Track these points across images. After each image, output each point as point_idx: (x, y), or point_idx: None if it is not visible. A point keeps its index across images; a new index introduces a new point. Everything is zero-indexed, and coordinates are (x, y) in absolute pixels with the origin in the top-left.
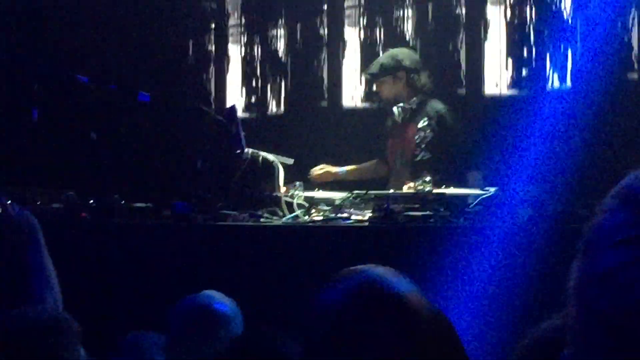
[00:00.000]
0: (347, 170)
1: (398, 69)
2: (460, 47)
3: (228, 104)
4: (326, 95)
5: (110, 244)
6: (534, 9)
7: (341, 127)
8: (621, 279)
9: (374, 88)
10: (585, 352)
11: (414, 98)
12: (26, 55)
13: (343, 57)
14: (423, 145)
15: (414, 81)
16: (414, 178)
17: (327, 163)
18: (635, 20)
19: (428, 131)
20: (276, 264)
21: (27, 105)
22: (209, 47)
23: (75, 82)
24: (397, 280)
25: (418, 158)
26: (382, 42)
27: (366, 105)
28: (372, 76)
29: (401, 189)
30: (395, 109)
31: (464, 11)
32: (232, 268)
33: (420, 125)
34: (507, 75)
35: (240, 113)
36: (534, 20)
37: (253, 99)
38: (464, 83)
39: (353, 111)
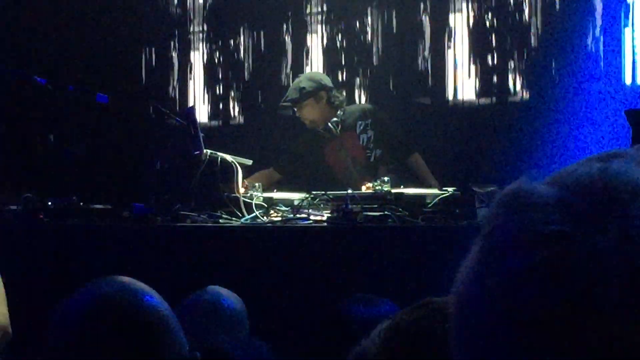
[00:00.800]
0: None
1: (319, 90)
2: (425, 55)
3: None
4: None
5: (68, 245)
6: (495, 17)
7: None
8: (528, 283)
9: (297, 114)
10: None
11: (339, 112)
12: None
13: (307, 64)
14: (371, 145)
15: (333, 99)
16: (376, 179)
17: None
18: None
19: (368, 130)
20: (235, 264)
21: None
22: (171, 51)
23: (33, 84)
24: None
25: (372, 158)
26: (345, 48)
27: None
28: (295, 101)
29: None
30: (330, 124)
31: (427, 18)
32: (191, 269)
33: (358, 129)
34: (471, 83)
35: (204, 120)
36: (495, 27)
37: (214, 107)
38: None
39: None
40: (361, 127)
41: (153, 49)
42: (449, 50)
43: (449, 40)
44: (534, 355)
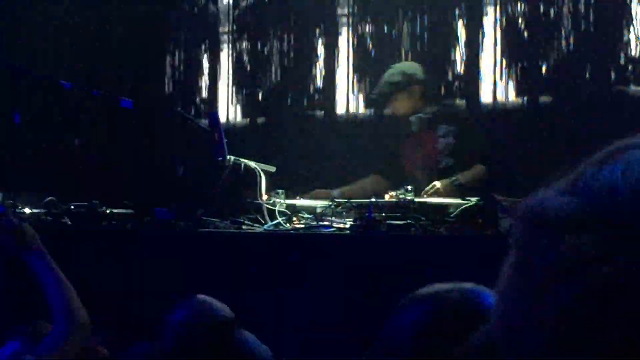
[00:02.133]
0: (342, 192)
1: (411, 84)
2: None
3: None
4: (319, 104)
5: (90, 249)
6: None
7: (333, 137)
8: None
9: (387, 107)
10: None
11: (429, 108)
12: (9, 59)
13: (337, 66)
14: (446, 152)
15: (427, 93)
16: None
17: (319, 173)
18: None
19: (450, 138)
20: (258, 271)
21: (10, 109)
22: (199, 55)
23: (58, 87)
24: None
25: (442, 165)
26: (375, 52)
27: (361, 114)
28: (385, 95)
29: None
30: (413, 119)
31: (460, 22)
32: (214, 275)
33: (440, 132)
34: (502, 85)
35: (231, 120)
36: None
37: (243, 107)
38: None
39: (348, 121)
40: (444, 131)
41: (180, 52)
42: (482, 54)
43: (482, 43)
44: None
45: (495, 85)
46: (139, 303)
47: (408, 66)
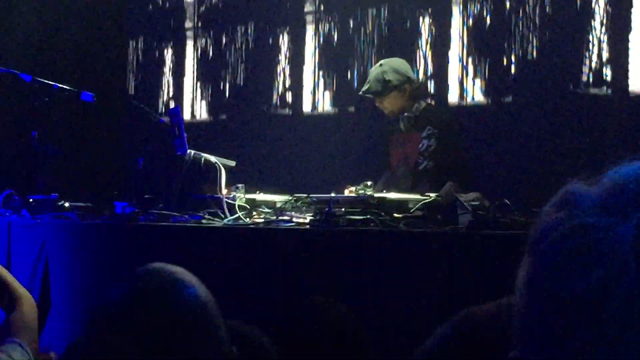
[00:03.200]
0: None
1: (404, 83)
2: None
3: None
4: (287, 101)
5: (48, 242)
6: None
7: (298, 132)
8: (570, 265)
9: (376, 103)
10: (540, 348)
11: (416, 105)
12: None
13: (303, 63)
14: (427, 154)
15: (416, 91)
16: (415, 186)
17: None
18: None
19: (432, 140)
20: (216, 265)
21: None
22: (163, 49)
23: (17, 80)
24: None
25: (421, 167)
26: (340, 46)
27: (326, 112)
28: (378, 94)
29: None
30: (400, 118)
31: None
32: None
33: (424, 134)
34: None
35: (193, 117)
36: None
37: (207, 103)
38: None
39: (314, 118)
40: (428, 132)
41: (141, 45)
42: (449, 52)
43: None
44: (576, 332)
45: (463, 86)
46: (95, 297)
47: (399, 63)
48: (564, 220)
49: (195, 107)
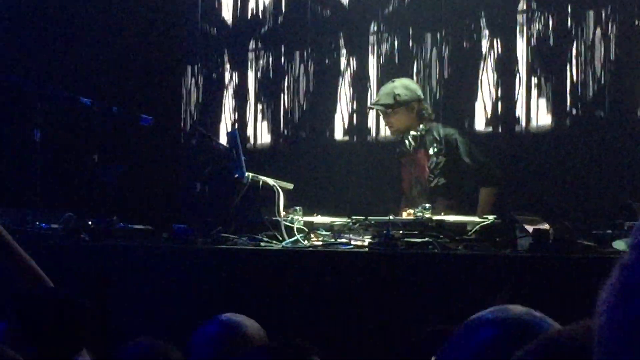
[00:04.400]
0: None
1: (413, 100)
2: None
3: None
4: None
5: (108, 265)
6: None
7: (357, 155)
8: None
9: (383, 118)
10: None
11: (421, 125)
12: (29, 75)
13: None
14: (437, 171)
15: (424, 111)
16: (431, 204)
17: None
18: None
19: (440, 156)
20: (275, 288)
21: (29, 125)
22: (220, 74)
23: (78, 104)
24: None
25: (433, 184)
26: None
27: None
28: (388, 107)
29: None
30: (405, 137)
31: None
32: (232, 292)
33: (431, 151)
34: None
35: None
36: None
37: (268, 127)
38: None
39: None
40: (435, 150)
41: (200, 69)
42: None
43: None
44: None
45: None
46: (159, 319)
47: (409, 82)
48: None
49: (257, 131)
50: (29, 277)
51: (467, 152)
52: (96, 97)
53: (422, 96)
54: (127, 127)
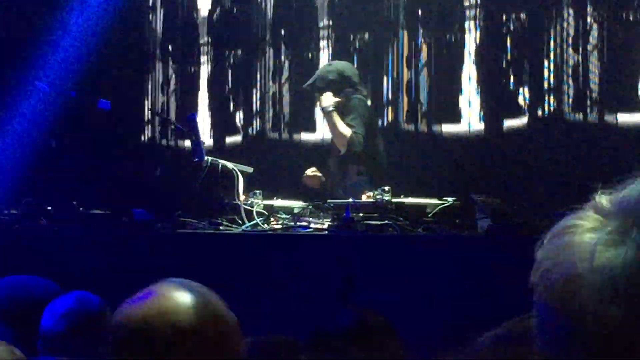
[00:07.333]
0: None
1: (344, 85)
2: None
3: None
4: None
5: (67, 250)
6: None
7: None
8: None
9: (316, 94)
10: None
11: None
12: None
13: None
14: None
15: (354, 93)
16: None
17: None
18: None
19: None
20: (235, 271)
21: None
22: (178, 60)
23: (35, 89)
24: None
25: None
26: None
27: None
28: (318, 89)
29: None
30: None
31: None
32: (191, 276)
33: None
34: None
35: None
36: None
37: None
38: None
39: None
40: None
41: (158, 60)
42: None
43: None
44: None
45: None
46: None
47: (345, 67)
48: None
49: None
50: None
51: (352, 117)
52: (53, 82)
53: (356, 80)
54: (87, 112)
